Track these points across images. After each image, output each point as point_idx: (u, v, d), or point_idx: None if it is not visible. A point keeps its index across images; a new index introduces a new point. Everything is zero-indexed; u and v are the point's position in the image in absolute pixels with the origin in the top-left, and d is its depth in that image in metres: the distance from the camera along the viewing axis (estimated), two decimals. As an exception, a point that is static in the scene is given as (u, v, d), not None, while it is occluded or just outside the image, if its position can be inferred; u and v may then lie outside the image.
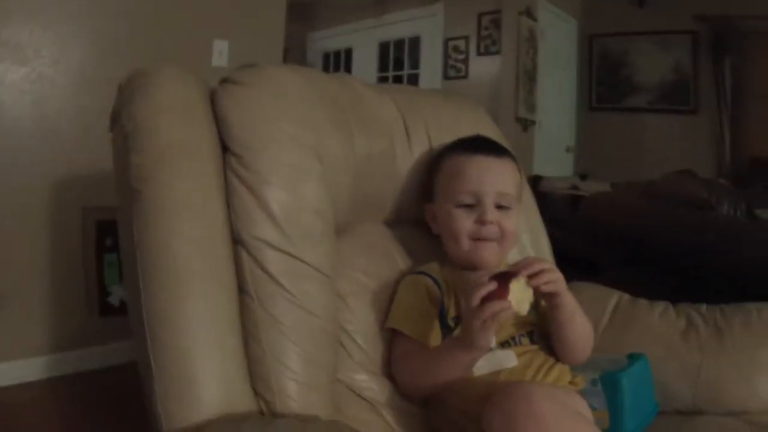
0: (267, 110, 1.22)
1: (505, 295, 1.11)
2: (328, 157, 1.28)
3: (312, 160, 1.24)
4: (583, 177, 5.82)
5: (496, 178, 1.38)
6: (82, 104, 2.76)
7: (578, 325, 1.32)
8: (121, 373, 2.75)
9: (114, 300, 2.88)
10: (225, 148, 1.20)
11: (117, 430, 2.22)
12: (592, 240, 3.04)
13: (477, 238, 1.35)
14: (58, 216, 2.74)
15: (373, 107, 1.49)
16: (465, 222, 1.35)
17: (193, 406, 1.03)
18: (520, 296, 1.13)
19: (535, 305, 1.25)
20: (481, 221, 1.34)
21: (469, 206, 1.36)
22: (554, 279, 1.22)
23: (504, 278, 1.14)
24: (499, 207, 1.36)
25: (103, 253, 2.83)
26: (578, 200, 4.15)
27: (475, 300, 1.12)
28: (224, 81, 1.27)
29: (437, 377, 1.24)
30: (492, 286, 1.13)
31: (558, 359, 1.34)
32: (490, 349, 1.25)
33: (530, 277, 1.17)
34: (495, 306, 1.10)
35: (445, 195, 1.40)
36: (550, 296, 1.25)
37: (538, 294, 1.21)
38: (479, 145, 1.45)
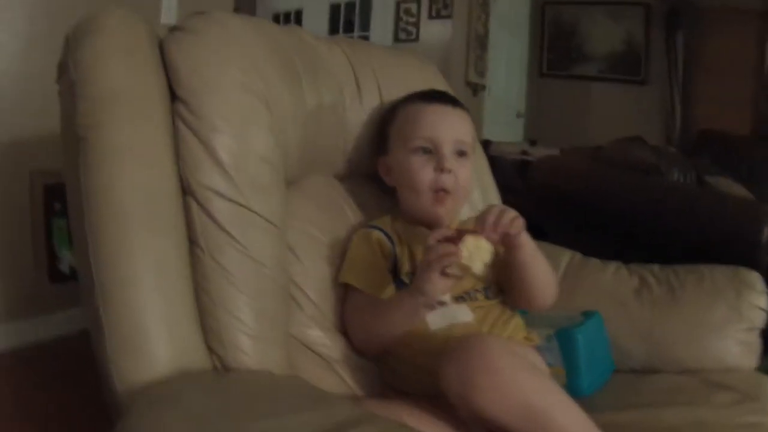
0: (216, 57, 1.18)
1: (457, 243, 1.10)
2: (278, 106, 1.25)
3: (261, 107, 1.20)
4: (533, 143, 5.85)
5: (453, 126, 1.36)
6: (26, 64, 2.63)
7: (541, 264, 1.32)
8: (72, 342, 2.67)
9: (64, 266, 2.78)
10: (173, 96, 1.15)
11: (69, 399, 2.17)
12: (541, 204, 3.04)
13: (437, 190, 1.31)
14: (3, 181, 2.62)
15: (323, 59, 1.47)
16: (423, 171, 1.32)
17: (146, 362, 1.00)
18: (473, 250, 1.11)
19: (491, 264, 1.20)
20: (440, 168, 1.31)
21: (426, 153, 1.33)
22: (514, 217, 1.19)
23: (463, 233, 1.13)
24: (457, 154, 1.34)
25: (52, 217, 2.73)
26: (527, 165, 4.16)
27: (430, 240, 1.12)
28: (173, 29, 1.22)
29: (389, 329, 1.23)
30: (449, 231, 1.13)
31: (515, 310, 1.35)
32: (444, 303, 1.25)
33: (493, 225, 1.16)
34: (443, 248, 1.10)
35: (401, 143, 1.38)
36: (512, 237, 1.22)
37: (499, 243, 1.19)
38: (435, 96, 1.44)
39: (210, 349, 1.08)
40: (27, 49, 2.63)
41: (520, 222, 1.21)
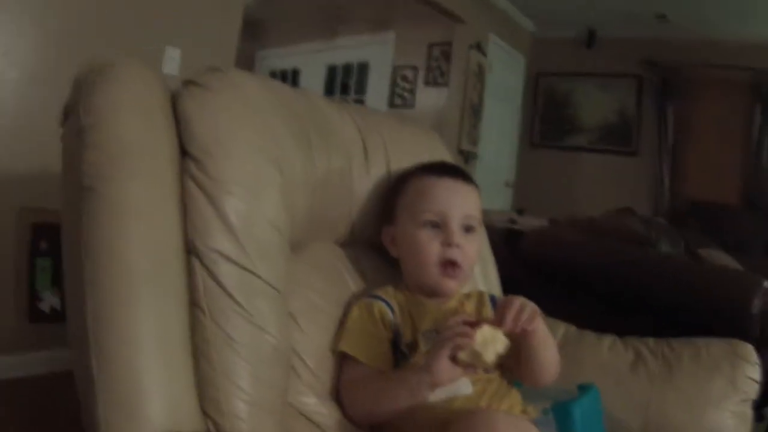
0: (231, 117, 1.18)
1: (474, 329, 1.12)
2: (289, 170, 1.24)
3: (274, 171, 1.20)
4: (521, 212, 5.87)
5: (463, 201, 1.37)
6: (25, 100, 2.66)
7: (551, 346, 1.32)
8: (50, 382, 2.66)
9: (45, 306, 2.77)
10: (184, 152, 1.14)
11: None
12: (531, 273, 3.05)
13: (444, 263, 1.32)
14: (-9, 215, 2.63)
15: (333, 124, 1.46)
16: (430, 245, 1.32)
17: (138, 422, 0.96)
18: (488, 338, 1.12)
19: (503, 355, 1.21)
20: (447, 243, 1.31)
21: (433, 227, 1.33)
22: (533, 311, 1.20)
23: (481, 323, 1.14)
24: (464, 230, 1.34)
25: (36, 256, 2.73)
26: (515, 234, 4.17)
27: (450, 321, 1.15)
28: (188, 83, 1.21)
29: (390, 405, 1.21)
30: (470, 318, 1.16)
31: (513, 383, 1.34)
32: None
33: (513, 321, 1.17)
34: (459, 329, 1.12)
35: (409, 215, 1.38)
36: (529, 331, 1.22)
37: (516, 336, 1.20)
38: (447, 169, 1.44)
39: (206, 414, 1.05)
40: (26, 84, 2.65)
41: (538, 316, 1.21)
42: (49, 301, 2.77)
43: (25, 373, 2.71)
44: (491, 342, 1.12)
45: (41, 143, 2.47)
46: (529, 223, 4.57)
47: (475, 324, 1.13)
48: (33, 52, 2.68)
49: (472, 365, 1.14)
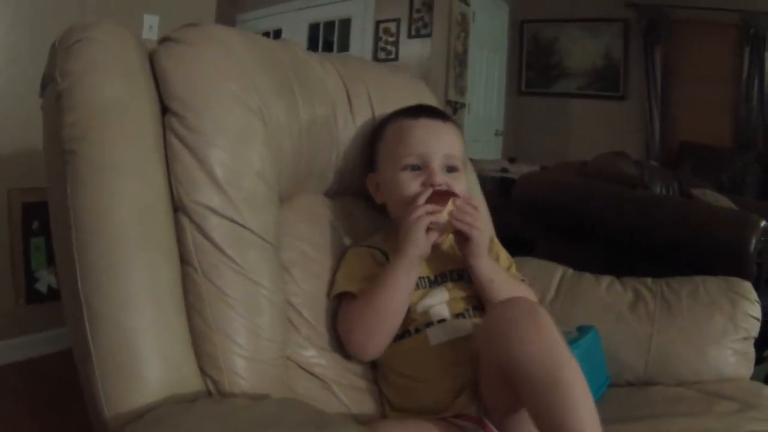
0: (210, 69, 1.15)
1: (444, 202, 1.23)
2: (272, 121, 1.22)
3: (257, 122, 1.17)
4: (512, 160, 5.84)
5: (442, 140, 1.34)
6: (6, 80, 2.60)
7: (497, 292, 1.28)
8: (49, 364, 2.65)
9: (42, 286, 2.75)
10: (165, 109, 1.12)
11: (45, 421, 2.14)
12: (527, 219, 3.04)
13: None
14: (-19, 198, 2.59)
15: (316, 74, 1.44)
16: (411, 185, 1.30)
17: (137, 386, 0.95)
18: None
19: None
20: (430, 184, 1.28)
21: (415, 169, 1.31)
22: (474, 223, 1.24)
23: (440, 194, 1.25)
24: (447, 170, 1.32)
25: (30, 237, 2.70)
26: (507, 183, 4.16)
27: (420, 200, 1.22)
28: (165, 39, 1.18)
29: (384, 305, 1.23)
30: (428, 192, 1.25)
31: None
32: (443, 319, 1.26)
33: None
34: (428, 208, 1.21)
35: (390, 160, 1.36)
36: (463, 239, 1.27)
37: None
38: (423, 110, 1.41)
39: (203, 372, 1.05)
40: (5, 64, 2.60)
41: (477, 231, 1.25)
42: (45, 280, 2.74)
43: (26, 355, 2.70)
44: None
45: (25, 123, 2.45)
46: (521, 170, 4.55)
47: (445, 194, 1.24)
48: (8, 31, 2.62)
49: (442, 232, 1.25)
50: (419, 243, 1.21)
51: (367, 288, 1.25)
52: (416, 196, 1.26)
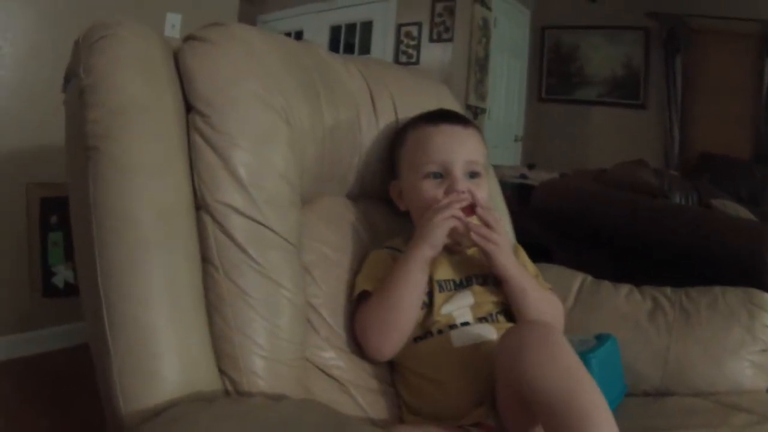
0: (235, 69, 1.15)
1: (470, 214, 1.24)
2: (296, 123, 1.22)
3: (281, 123, 1.17)
4: (531, 167, 5.84)
5: (463, 146, 1.33)
6: (27, 76, 2.63)
7: (531, 299, 1.30)
8: (65, 357, 2.66)
9: (58, 281, 2.76)
10: (189, 108, 1.12)
11: (60, 415, 2.15)
12: (545, 226, 3.03)
13: None
14: (0, 192, 2.61)
15: (339, 76, 1.44)
16: (434, 193, 1.29)
17: (154, 385, 0.95)
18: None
19: None
20: (452, 191, 1.28)
21: (437, 177, 1.31)
22: (491, 238, 1.24)
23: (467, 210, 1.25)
24: (469, 176, 1.31)
25: (48, 231, 2.71)
26: (526, 189, 4.15)
27: (446, 199, 1.23)
28: (189, 38, 1.18)
29: (396, 301, 1.23)
30: (463, 197, 1.25)
31: None
32: (467, 323, 1.25)
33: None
34: (457, 207, 1.22)
35: (411, 168, 1.35)
36: (489, 261, 1.27)
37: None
38: (444, 116, 1.40)
39: (222, 372, 1.05)
40: (27, 60, 2.62)
41: (496, 247, 1.25)
42: (62, 275, 2.76)
43: (42, 349, 2.71)
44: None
45: (45, 118, 2.49)
46: (541, 177, 4.54)
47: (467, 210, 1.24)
48: (32, 28, 2.64)
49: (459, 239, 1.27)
50: (437, 244, 1.22)
51: (380, 286, 1.25)
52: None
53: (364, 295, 1.28)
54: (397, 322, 1.23)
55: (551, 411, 0.92)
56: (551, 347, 0.97)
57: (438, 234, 1.20)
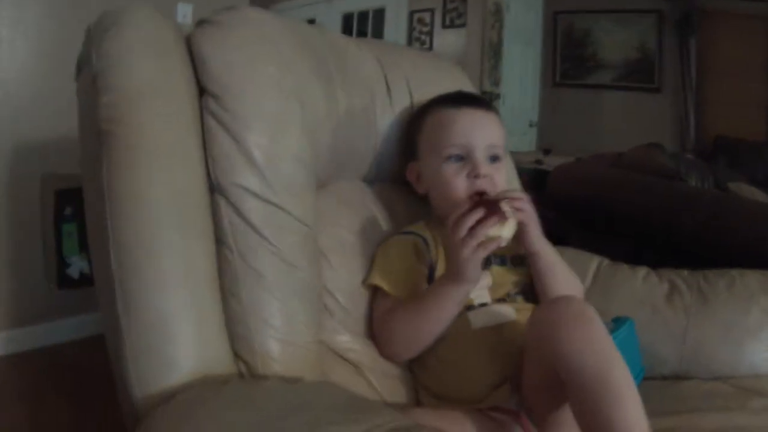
0: (248, 52, 1.14)
1: (500, 218, 1.11)
2: (310, 105, 1.21)
3: (296, 106, 1.16)
4: (547, 152, 5.81)
5: (485, 130, 1.31)
6: (41, 68, 2.63)
7: (560, 275, 1.30)
8: (81, 348, 2.68)
9: (73, 272, 2.76)
10: (202, 91, 1.11)
11: (77, 406, 2.16)
12: (561, 211, 3.02)
13: (473, 196, 1.26)
14: (14, 185, 2.63)
15: (354, 60, 1.43)
16: (457, 179, 1.28)
17: (168, 368, 0.95)
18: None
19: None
20: (474, 175, 1.26)
21: (458, 160, 1.29)
22: (525, 207, 1.20)
23: (489, 204, 1.13)
24: (490, 159, 1.30)
25: (62, 223, 2.72)
26: (542, 175, 4.13)
27: (463, 230, 1.11)
28: (202, 22, 1.18)
29: (425, 327, 1.21)
30: (479, 213, 1.11)
31: None
32: (485, 304, 1.25)
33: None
34: (484, 230, 1.10)
35: (432, 151, 1.33)
36: (522, 235, 1.22)
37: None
38: (466, 98, 1.39)
39: (237, 355, 1.04)
40: (39, 51, 2.62)
41: (533, 216, 1.23)
42: (77, 266, 2.76)
43: (58, 339, 2.73)
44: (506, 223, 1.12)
45: (58, 110, 2.49)
46: (556, 163, 4.51)
47: (491, 209, 1.12)
48: (41, 19, 2.64)
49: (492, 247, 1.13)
50: (475, 277, 1.16)
51: (411, 304, 1.23)
52: (462, 202, 1.21)
53: (383, 293, 1.28)
54: (424, 343, 1.24)
55: (583, 387, 0.93)
56: (588, 324, 0.98)
57: (471, 268, 1.13)
